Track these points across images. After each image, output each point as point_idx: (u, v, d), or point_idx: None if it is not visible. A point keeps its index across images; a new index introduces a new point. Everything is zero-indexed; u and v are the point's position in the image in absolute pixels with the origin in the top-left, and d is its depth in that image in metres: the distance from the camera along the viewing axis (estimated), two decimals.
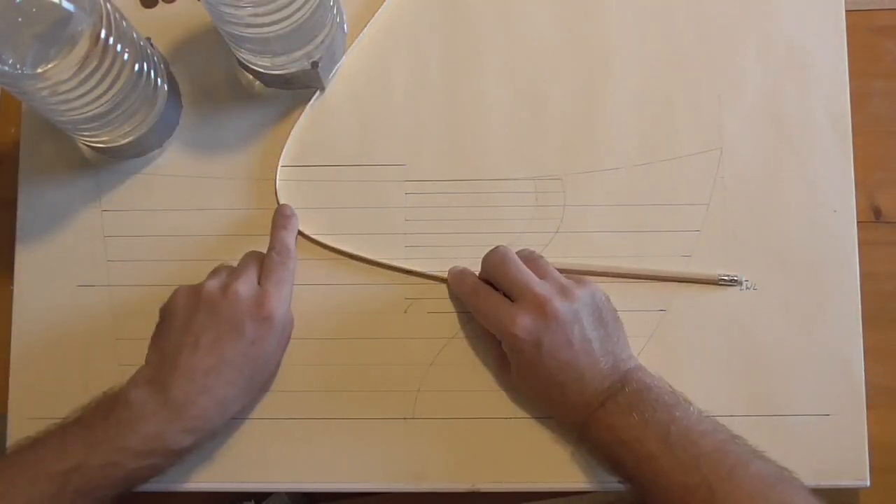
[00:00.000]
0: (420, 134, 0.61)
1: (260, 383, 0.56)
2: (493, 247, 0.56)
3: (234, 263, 0.57)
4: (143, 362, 0.54)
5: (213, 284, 0.54)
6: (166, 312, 0.55)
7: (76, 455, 0.50)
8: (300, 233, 0.59)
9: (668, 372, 0.55)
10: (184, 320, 0.54)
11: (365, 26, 0.62)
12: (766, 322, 0.58)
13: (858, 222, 0.59)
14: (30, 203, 0.61)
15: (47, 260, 0.60)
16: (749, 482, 0.47)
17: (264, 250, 0.58)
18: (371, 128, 0.61)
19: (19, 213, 0.61)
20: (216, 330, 0.53)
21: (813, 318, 0.58)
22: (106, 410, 0.52)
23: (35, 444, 0.51)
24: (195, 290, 0.54)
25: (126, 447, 0.50)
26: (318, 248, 0.60)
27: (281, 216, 0.59)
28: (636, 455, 0.50)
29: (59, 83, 0.49)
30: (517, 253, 0.56)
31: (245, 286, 0.54)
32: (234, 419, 0.57)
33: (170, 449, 0.52)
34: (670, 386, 0.53)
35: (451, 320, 0.58)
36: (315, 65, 0.58)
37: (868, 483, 0.56)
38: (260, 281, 0.55)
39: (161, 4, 0.63)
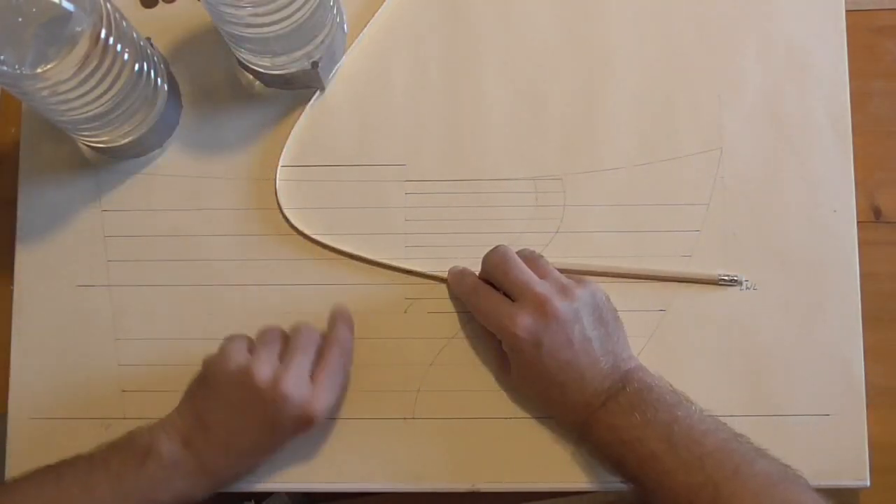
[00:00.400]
0: (420, 134, 0.61)
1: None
2: (493, 247, 0.56)
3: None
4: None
5: (266, 374, 0.52)
6: (211, 373, 0.54)
7: (105, 498, 0.50)
8: (300, 232, 0.59)
9: (669, 372, 0.55)
10: (227, 395, 0.52)
11: (365, 26, 0.62)
12: (766, 322, 0.58)
13: (858, 222, 0.59)
14: (30, 203, 0.61)
15: (47, 260, 0.60)
16: (754, 481, 0.47)
17: (264, 250, 0.58)
18: (371, 128, 0.61)
19: (19, 213, 0.61)
20: (258, 420, 0.52)
21: (813, 318, 0.58)
22: (138, 461, 0.51)
23: (59, 479, 0.51)
24: (247, 372, 0.52)
25: (156, 500, 0.51)
26: (318, 248, 0.60)
27: (341, 311, 0.58)
28: (639, 455, 0.50)
29: (59, 83, 0.49)
30: (517, 253, 0.56)
31: (295, 384, 0.52)
32: None
33: (195, 502, 0.53)
34: (671, 385, 0.53)
35: (451, 320, 0.58)
36: (315, 65, 0.58)
37: (868, 483, 0.56)
38: (314, 373, 0.53)
39: (161, 4, 0.63)
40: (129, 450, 0.52)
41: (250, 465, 0.55)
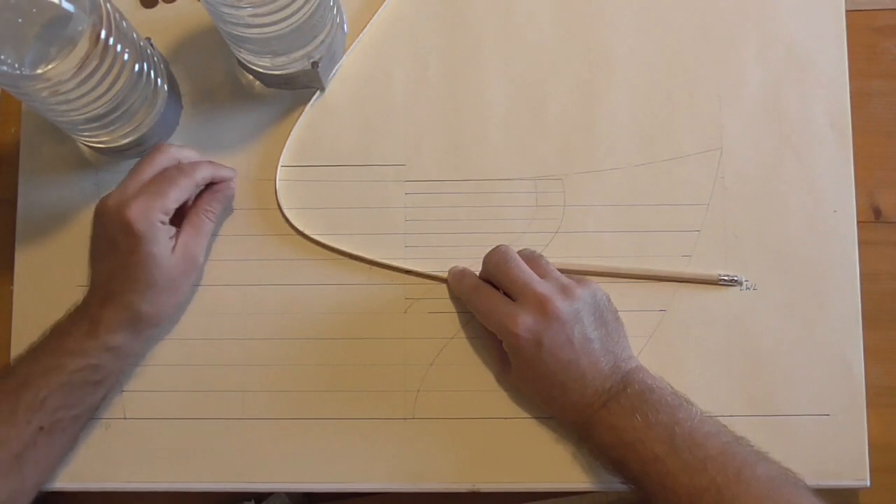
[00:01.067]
0: (420, 134, 0.61)
1: (165, 286, 0.55)
2: (493, 246, 0.56)
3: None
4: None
5: (102, 197, 0.55)
6: None
7: (22, 371, 0.53)
8: (300, 233, 0.59)
9: (669, 372, 0.55)
10: (92, 234, 0.57)
11: (365, 26, 0.62)
12: (766, 322, 0.58)
13: (858, 222, 0.59)
14: (30, 203, 0.61)
15: (47, 260, 0.60)
16: (757, 484, 0.47)
17: (264, 250, 0.59)
18: (371, 128, 0.61)
19: (19, 213, 0.61)
20: (102, 241, 0.55)
21: (813, 318, 0.58)
22: (48, 330, 0.55)
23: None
24: (96, 205, 0.56)
25: (60, 348, 0.53)
26: (318, 248, 0.60)
27: (220, 165, 0.59)
28: (641, 457, 0.50)
29: (59, 83, 0.49)
30: (518, 252, 0.56)
31: (115, 196, 0.54)
32: (236, 419, 0.57)
33: (103, 347, 0.54)
34: (671, 387, 0.53)
35: (451, 320, 0.58)
36: (315, 65, 0.58)
37: (868, 483, 0.56)
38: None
39: (161, 4, 0.63)
40: (47, 331, 0.55)
41: (128, 302, 0.54)
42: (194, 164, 0.57)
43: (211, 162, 0.58)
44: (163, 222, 0.54)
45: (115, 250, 0.54)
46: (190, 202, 0.57)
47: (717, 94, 0.61)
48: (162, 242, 0.54)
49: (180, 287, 0.57)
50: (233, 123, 0.61)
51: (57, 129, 0.59)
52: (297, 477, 0.57)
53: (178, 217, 0.56)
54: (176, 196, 0.54)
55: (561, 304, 0.52)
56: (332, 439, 0.57)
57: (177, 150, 0.57)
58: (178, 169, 0.56)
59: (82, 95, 0.51)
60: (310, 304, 0.59)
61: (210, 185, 0.58)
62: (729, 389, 0.57)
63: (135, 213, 0.53)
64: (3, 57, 0.47)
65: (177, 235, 0.56)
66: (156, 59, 0.57)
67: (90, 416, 0.56)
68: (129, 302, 0.54)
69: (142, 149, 0.60)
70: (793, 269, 0.59)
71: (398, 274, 0.59)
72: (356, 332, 0.58)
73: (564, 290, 0.53)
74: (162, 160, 0.56)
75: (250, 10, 0.50)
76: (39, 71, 0.47)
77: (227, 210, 0.60)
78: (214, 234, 0.60)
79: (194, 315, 0.59)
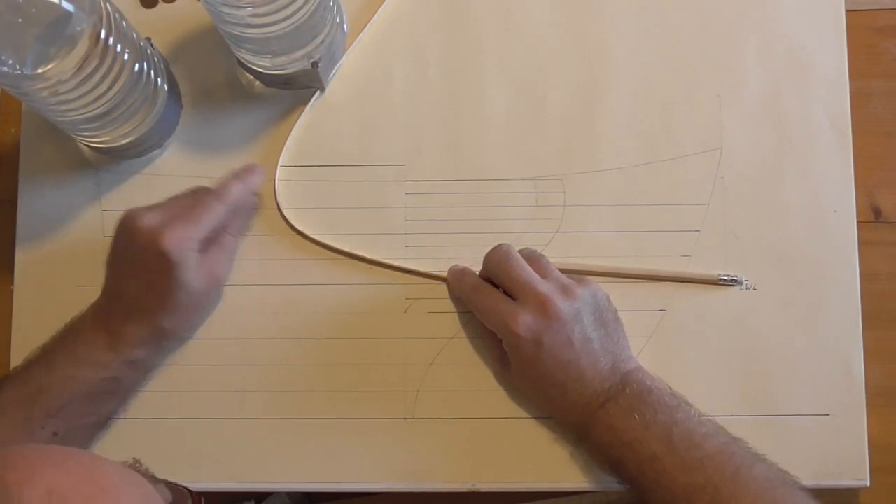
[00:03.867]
0: (420, 134, 0.61)
1: (190, 307, 0.56)
2: (493, 246, 0.56)
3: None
4: None
5: (131, 213, 0.54)
6: (113, 236, 0.56)
7: (38, 377, 0.52)
8: (300, 233, 0.59)
9: (668, 372, 0.55)
10: (114, 246, 0.56)
11: (365, 26, 0.62)
12: (766, 322, 0.58)
13: (858, 222, 0.59)
14: (30, 203, 0.61)
15: (47, 260, 0.60)
16: (754, 484, 0.48)
17: (264, 250, 0.59)
18: (371, 128, 0.61)
19: (19, 213, 0.61)
20: (130, 259, 0.54)
21: (813, 318, 0.58)
22: (62, 333, 0.55)
23: (1, 380, 0.53)
24: (123, 217, 0.55)
25: (81, 359, 0.53)
26: (318, 248, 0.59)
27: (244, 168, 0.58)
28: (638, 456, 0.50)
29: (59, 83, 0.49)
30: (518, 251, 0.56)
31: (149, 220, 0.53)
32: (235, 419, 0.57)
33: (124, 360, 0.54)
34: (670, 388, 0.53)
35: (451, 320, 0.58)
36: (315, 65, 0.58)
37: (868, 483, 0.56)
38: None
39: (161, 4, 0.63)
40: (59, 332, 0.55)
41: (153, 322, 0.54)
42: (226, 188, 0.56)
43: (238, 177, 0.58)
44: (195, 249, 0.54)
45: (145, 270, 0.53)
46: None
47: (717, 94, 0.61)
48: (192, 268, 0.54)
49: (205, 305, 0.57)
50: (233, 123, 0.61)
51: (57, 129, 0.59)
52: (297, 477, 0.57)
53: None
54: (209, 223, 0.55)
55: (562, 304, 0.52)
56: (333, 439, 0.57)
57: (222, 191, 0.56)
58: (212, 193, 0.56)
59: (82, 95, 0.51)
60: (310, 304, 0.59)
61: None
62: (729, 389, 0.57)
63: (170, 242, 0.52)
64: (3, 57, 0.47)
65: (203, 255, 0.55)
66: (156, 59, 0.57)
67: (104, 424, 0.56)
68: (153, 320, 0.54)
69: (141, 149, 0.60)
70: (793, 270, 0.59)
71: (398, 274, 0.59)
72: (356, 332, 0.58)
73: (565, 290, 0.53)
74: (208, 199, 0.55)
75: (250, 10, 0.51)
76: (39, 71, 0.47)
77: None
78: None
79: None
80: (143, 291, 0.54)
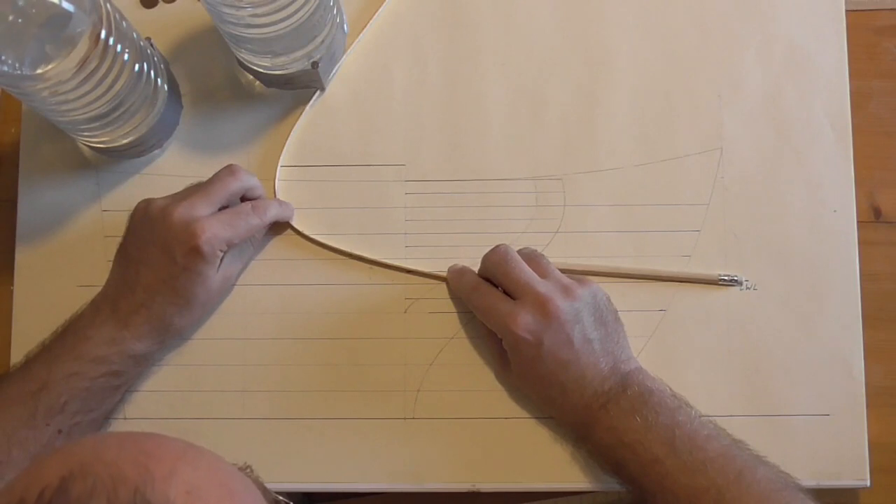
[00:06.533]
0: (420, 134, 0.61)
1: (202, 304, 0.56)
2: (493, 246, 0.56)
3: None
4: None
5: (160, 203, 0.55)
6: (127, 225, 0.57)
7: (41, 374, 0.52)
8: (300, 233, 0.59)
9: (669, 372, 0.55)
10: (132, 234, 0.56)
11: (365, 26, 0.62)
12: (766, 322, 0.58)
13: (858, 222, 0.59)
14: (30, 203, 0.61)
15: (47, 260, 0.60)
16: (757, 486, 0.48)
17: (265, 250, 0.59)
18: (371, 128, 0.61)
19: (19, 213, 0.61)
20: (154, 247, 0.54)
21: (813, 318, 0.58)
22: (63, 329, 0.55)
23: (1, 377, 0.53)
24: (145, 205, 0.55)
25: (82, 354, 0.53)
26: (318, 248, 0.60)
27: (285, 204, 0.59)
28: (640, 458, 0.50)
29: (59, 83, 0.49)
30: (518, 251, 0.56)
31: (183, 211, 0.53)
32: (236, 419, 0.57)
33: (127, 354, 0.54)
34: (670, 389, 0.53)
35: (451, 320, 0.58)
36: (315, 65, 0.58)
37: (868, 483, 0.56)
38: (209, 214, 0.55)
39: (161, 4, 0.63)
40: (60, 327, 0.55)
41: (163, 313, 0.54)
42: (266, 205, 0.57)
43: (279, 200, 0.59)
44: (223, 251, 0.54)
45: (168, 260, 0.53)
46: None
47: (717, 94, 0.61)
48: (215, 267, 0.55)
49: (213, 305, 0.58)
50: (233, 123, 0.61)
51: (57, 129, 0.59)
52: (297, 477, 0.57)
53: None
54: (245, 234, 0.56)
55: (562, 304, 0.52)
56: (333, 439, 0.57)
57: (247, 178, 0.57)
58: (254, 208, 0.56)
59: (82, 95, 0.51)
60: (310, 304, 0.59)
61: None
62: (729, 389, 0.57)
63: (206, 236, 0.53)
64: (3, 57, 0.47)
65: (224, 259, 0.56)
66: (156, 59, 0.57)
67: (106, 419, 0.56)
68: (164, 313, 0.54)
69: (141, 149, 0.60)
70: (793, 270, 0.59)
71: (398, 274, 0.59)
72: (356, 332, 0.58)
73: (565, 290, 0.53)
74: (232, 184, 0.56)
75: (250, 11, 0.51)
76: (39, 71, 0.47)
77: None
78: None
79: None
80: (162, 280, 0.54)
